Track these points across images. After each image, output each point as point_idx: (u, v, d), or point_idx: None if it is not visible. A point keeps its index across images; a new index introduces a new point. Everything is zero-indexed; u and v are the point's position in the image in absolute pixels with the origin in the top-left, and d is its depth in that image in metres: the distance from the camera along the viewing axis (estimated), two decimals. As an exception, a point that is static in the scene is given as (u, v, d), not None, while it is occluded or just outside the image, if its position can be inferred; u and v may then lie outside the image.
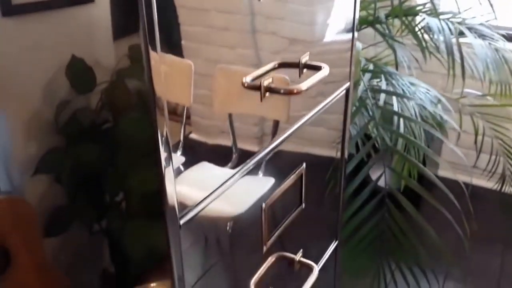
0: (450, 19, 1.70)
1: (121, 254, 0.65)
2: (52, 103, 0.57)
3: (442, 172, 2.82)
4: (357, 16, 0.93)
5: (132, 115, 0.55)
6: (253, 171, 0.71)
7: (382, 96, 1.46)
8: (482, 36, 1.74)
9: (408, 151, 1.63)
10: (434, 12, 1.68)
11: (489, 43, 1.73)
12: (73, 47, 0.53)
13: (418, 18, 1.75)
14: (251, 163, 0.70)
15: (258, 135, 0.73)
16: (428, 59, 1.74)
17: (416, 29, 1.73)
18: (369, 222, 1.75)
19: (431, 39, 1.70)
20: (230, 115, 0.66)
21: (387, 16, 1.69)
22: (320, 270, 0.96)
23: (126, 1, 0.50)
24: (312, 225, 1.01)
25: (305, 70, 0.75)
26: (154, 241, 0.60)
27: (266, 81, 0.65)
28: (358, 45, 1.37)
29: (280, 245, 0.83)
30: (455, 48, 1.57)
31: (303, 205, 0.89)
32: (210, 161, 0.63)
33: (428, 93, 1.74)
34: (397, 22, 1.73)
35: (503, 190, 2.01)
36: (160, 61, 0.49)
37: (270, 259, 0.81)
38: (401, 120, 1.42)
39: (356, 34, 0.94)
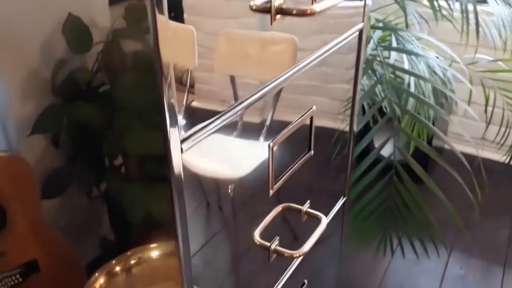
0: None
1: (120, 219, 0.64)
2: (48, 62, 0.56)
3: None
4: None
5: (129, 76, 0.53)
6: (255, 136, 0.68)
7: (393, 54, 1.41)
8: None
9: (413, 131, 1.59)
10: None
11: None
12: (70, 5, 0.52)
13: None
14: (255, 96, 0.65)
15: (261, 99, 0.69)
16: (439, 27, 1.68)
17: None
18: (376, 191, 1.72)
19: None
20: (232, 78, 0.62)
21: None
22: (327, 227, 0.92)
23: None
24: (320, 179, 0.96)
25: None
26: (154, 205, 0.59)
27: (277, 2, 0.60)
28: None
29: (287, 197, 0.80)
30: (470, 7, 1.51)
31: (312, 151, 0.84)
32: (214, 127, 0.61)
33: (438, 57, 1.70)
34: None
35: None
36: (166, 25, 0.48)
37: (276, 210, 0.77)
38: (412, 79, 1.37)
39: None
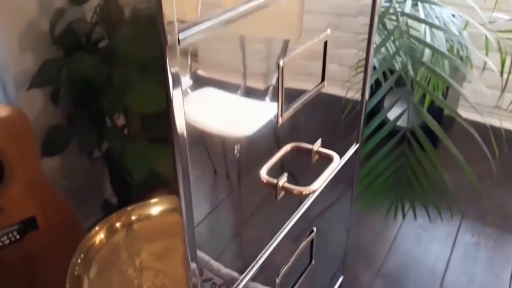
0: None
1: (121, 180, 0.62)
2: (47, 12, 0.54)
3: (462, 113, 2.72)
4: None
5: (129, 30, 0.51)
6: (261, 96, 0.65)
7: (408, 4, 1.34)
8: None
9: (428, 85, 1.54)
10: None
11: None
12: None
13: None
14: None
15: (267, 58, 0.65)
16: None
17: None
18: (386, 153, 1.69)
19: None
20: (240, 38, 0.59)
21: None
22: (338, 172, 0.88)
23: None
24: (332, 120, 0.91)
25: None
26: (155, 164, 0.57)
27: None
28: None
29: (296, 138, 0.74)
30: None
31: (325, 82, 0.79)
32: (217, 86, 0.59)
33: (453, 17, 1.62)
34: None
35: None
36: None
37: (285, 148, 0.72)
38: (427, 31, 1.30)
39: None
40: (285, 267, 0.77)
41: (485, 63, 1.73)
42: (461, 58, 1.64)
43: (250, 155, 0.67)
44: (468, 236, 1.92)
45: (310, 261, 0.88)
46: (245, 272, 0.71)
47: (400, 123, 1.55)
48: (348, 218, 1.09)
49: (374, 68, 1.41)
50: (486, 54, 1.76)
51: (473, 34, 1.63)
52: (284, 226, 0.78)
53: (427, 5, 1.40)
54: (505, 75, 1.78)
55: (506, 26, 1.84)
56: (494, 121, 1.94)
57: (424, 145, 1.44)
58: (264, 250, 0.73)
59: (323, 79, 0.77)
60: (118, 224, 0.64)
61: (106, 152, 0.61)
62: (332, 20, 0.77)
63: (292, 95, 0.71)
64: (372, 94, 1.35)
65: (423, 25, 1.35)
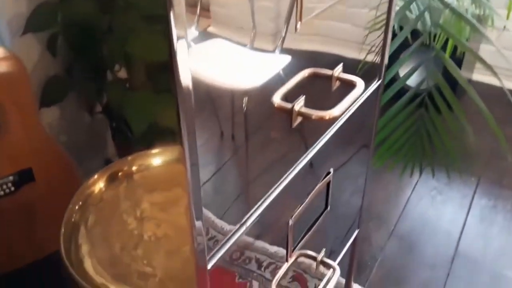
0: None
1: (123, 135, 0.58)
2: None
3: (477, 76, 2.63)
4: None
5: None
6: (270, 48, 0.59)
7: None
8: None
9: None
10: None
11: None
12: None
13: None
14: None
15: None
16: None
17: None
18: (404, 117, 1.64)
19: None
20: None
21: None
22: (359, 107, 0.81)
23: None
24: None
25: None
26: (157, 116, 0.53)
27: None
28: None
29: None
30: None
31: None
32: (225, 38, 0.53)
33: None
34: None
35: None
36: None
37: (302, 74, 0.64)
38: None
39: None
40: (300, 208, 0.71)
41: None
42: (479, 19, 1.56)
43: (258, 108, 0.60)
44: (485, 200, 1.86)
45: (326, 207, 0.82)
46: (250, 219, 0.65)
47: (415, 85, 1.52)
48: (366, 163, 1.02)
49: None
50: (508, 16, 1.67)
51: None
52: (299, 161, 0.71)
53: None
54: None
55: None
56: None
57: (440, 107, 1.40)
58: (272, 190, 0.67)
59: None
60: (118, 174, 0.60)
61: (107, 106, 0.57)
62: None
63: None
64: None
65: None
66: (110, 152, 0.62)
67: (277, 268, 0.74)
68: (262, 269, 0.73)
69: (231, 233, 0.59)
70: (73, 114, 0.61)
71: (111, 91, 0.56)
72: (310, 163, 0.74)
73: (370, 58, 0.87)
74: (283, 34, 0.59)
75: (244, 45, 0.55)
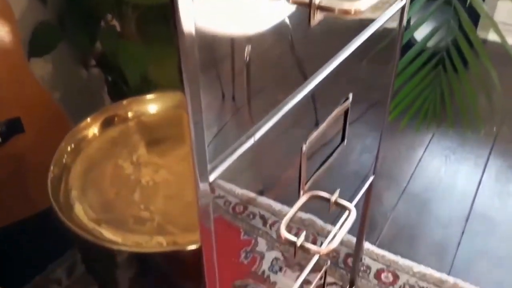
0: None
1: (119, 89, 0.54)
2: None
3: (493, 36, 2.53)
4: None
5: None
6: None
7: None
8: None
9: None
10: None
11: None
12: None
13: None
14: None
15: None
16: None
17: None
18: (423, 76, 1.58)
19: None
20: None
21: None
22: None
23: None
24: None
25: None
26: (153, 66, 0.48)
27: None
28: None
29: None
30: None
31: None
32: None
33: None
34: None
35: None
36: None
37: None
38: None
39: None
40: (315, 133, 0.64)
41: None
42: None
43: (267, 55, 0.53)
44: (500, 160, 1.78)
45: (343, 140, 0.75)
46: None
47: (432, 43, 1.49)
48: (383, 115, 0.95)
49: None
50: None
51: None
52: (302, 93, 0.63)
53: None
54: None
55: None
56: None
57: (457, 65, 1.33)
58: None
59: None
60: (113, 119, 0.56)
61: (101, 59, 0.53)
62: None
63: None
64: None
65: None
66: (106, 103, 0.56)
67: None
68: (268, 226, 0.68)
69: (236, 146, 0.52)
70: (66, 67, 0.56)
71: (104, 40, 0.52)
72: (316, 120, 0.67)
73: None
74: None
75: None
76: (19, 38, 0.57)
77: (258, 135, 0.53)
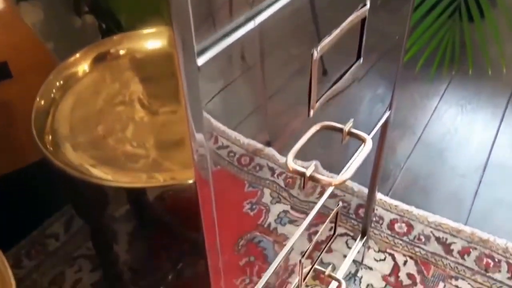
0: None
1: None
2: None
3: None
4: None
5: None
6: None
7: None
8: None
9: None
10: None
11: None
12: None
13: None
14: None
15: None
16: None
17: None
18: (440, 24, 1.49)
19: None
20: None
21: None
22: None
23: None
24: None
25: None
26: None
27: None
28: None
29: None
30: None
31: None
32: None
33: None
34: None
35: None
36: None
37: None
38: None
39: None
40: (327, 39, 0.56)
41: None
42: None
43: None
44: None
45: (359, 56, 0.66)
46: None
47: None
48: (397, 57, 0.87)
49: None
50: None
51: None
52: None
53: None
54: None
55: None
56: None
57: (473, 13, 1.24)
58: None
59: None
60: (104, 55, 0.51)
61: (94, 4, 0.49)
62: None
63: None
64: None
65: None
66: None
67: (289, 177, 0.63)
68: (275, 176, 0.62)
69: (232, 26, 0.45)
70: (58, 14, 0.53)
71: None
72: (324, 69, 0.60)
73: None
74: None
75: None
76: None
77: (259, 19, 0.45)
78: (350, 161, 0.78)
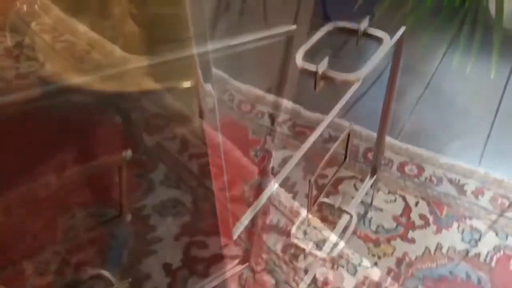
0: None
1: None
2: None
3: None
4: None
5: None
6: None
7: None
8: None
9: None
10: None
11: None
12: None
13: None
14: None
15: None
16: None
17: None
18: None
19: None
20: None
21: None
22: None
23: None
24: None
25: None
26: None
27: None
28: None
29: None
30: None
31: None
32: None
33: None
34: None
35: None
36: None
37: None
38: None
39: None
40: None
41: None
42: None
43: None
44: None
45: None
46: None
47: None
48: None
49: None
50: None
51: None
52: None
53: None
54: None
55: None
56: None
57: None
58: None
59: None
60: None
61: None
62: None
63: None
64: None
65: None
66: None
67: (297, 126, 0.57)
68: (276, 124, 0.57)
69: None
70: None
71: None
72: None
73: None
74: None
75: None
76: None
77: None
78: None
